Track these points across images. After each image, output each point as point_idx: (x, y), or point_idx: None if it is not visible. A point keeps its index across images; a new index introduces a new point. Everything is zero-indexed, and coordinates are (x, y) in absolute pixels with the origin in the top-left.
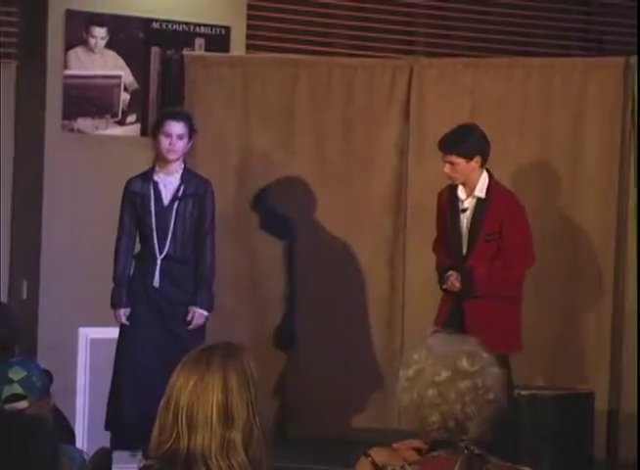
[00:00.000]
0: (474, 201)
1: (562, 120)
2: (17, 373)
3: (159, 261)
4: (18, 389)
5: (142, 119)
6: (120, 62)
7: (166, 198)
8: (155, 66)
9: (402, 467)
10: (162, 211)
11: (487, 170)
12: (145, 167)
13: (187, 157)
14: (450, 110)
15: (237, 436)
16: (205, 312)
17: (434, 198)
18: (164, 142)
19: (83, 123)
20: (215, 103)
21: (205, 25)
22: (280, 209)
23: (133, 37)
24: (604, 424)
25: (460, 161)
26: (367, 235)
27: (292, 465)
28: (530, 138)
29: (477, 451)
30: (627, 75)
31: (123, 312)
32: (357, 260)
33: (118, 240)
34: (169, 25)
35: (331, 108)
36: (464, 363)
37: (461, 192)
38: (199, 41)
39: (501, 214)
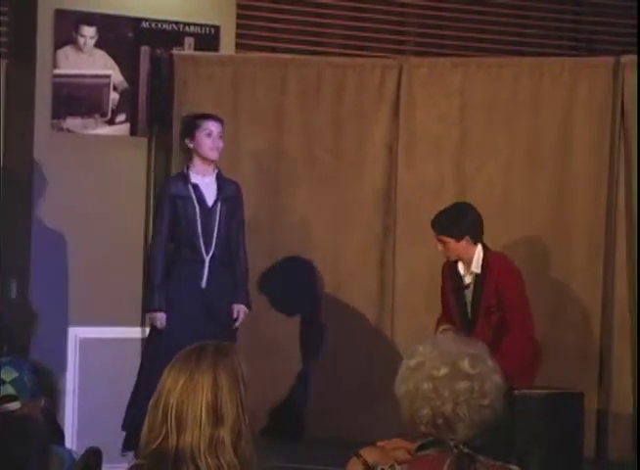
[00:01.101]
0: (472, 276)
1: (551, 120)
2: (8, 374)
3: (207, 264)
4: (10, 390)
5: (131, 119)
6: (110, 61)
7: (210, 200)
8: (144, 65)
9: (392, 466)
10: (207, 214)
11: (482, 244)
12: (135, 167)
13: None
14: (440, 109)
15: (226, 435)
16: (247, 310)
17: (423, 197)
18: (207, 141)
19: (72, 123)
20: (205, 102)
21: (194, 25)
22: (269, 208)
23: (122, 37)
24: (593, 424)
25: (450, 240)
26: (357, 234)
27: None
28: (520, 137)
29: (466, 450)
30: (617, 75)
31: (161, 316)
32: (347, 260)
33: (156, 242)
34: (159, 25)
35: (320, 107)
36: (465, 364)
37: (461, 268)
38: (188, 40)
39: (497, 288)
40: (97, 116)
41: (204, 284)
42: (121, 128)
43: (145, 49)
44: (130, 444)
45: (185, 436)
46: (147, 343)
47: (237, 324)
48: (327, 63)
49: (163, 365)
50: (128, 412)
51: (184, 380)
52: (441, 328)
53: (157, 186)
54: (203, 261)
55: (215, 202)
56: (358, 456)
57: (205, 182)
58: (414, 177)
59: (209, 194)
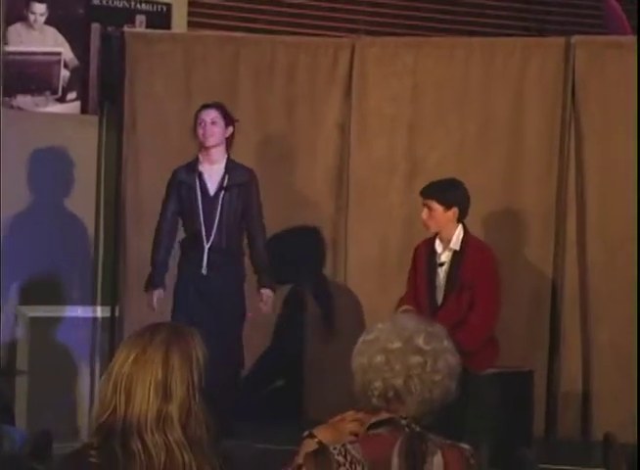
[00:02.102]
0: (450, 254)
1: (503, 100)
2: None
3: (206, 251)
4: None
5: (82, 97)
6: (60, 38)
7: (212, 188)
8: (95, 42)
9: (343, 445)
10: (209, 202)
11: (463, 224)
12: (86, 144)
13: (229, 146)
14: (392, 89)
15: (174, 411)
16: (271, 292)
17: (376, 177)
18: (199, 130)
19: (23, 100)
20: (156, 80)
21: (146, 2)
22: None
23: (73, 14)
24: (543, 404)
25: (438, 208)
26: (309, 214)
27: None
28: (472, 117)
29: (417, 429)
30: (568, 55)
31: (157, 294)
32: (299, 240)
33: (159, 226)
34: (110, 2)
35: (273, 86)
36: (420, 340)
37: (438, 246)
38: (139, 18)
39: (475, 266)
40: (47, 93)
41: (204, 271)
42: (72, 106)
43: (96, 26)
44: None
45: (133, 408)
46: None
47: (265, 308)
48: (280, 42)
49: None
50: None
51: (135, 355)
52: (402, 308)
53: (107, 164)
54: (203, 249)
55: (219, 190)
56: (312, 437)
57: (213, 170)
58: (366, 157)
59: (213, 182)
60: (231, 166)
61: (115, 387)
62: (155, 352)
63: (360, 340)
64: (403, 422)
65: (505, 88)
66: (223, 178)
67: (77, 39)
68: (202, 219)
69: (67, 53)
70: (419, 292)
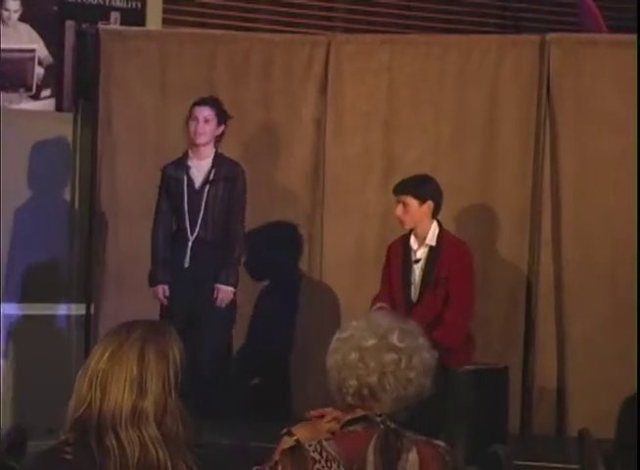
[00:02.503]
0: (426, 250)
1: (478, 97)
2: None
3: (190, 243)
4: None
5: (57, 94)
6: (34, 35)
7: (198, 181)
8: (69, 40)
9: (319, 442)
10: (194, 195)
11: (438, 221)
12: (61, 142)
13: (218, 141)
14: (368, 86)
15: (149, 407)
16: (231, 288)
17: (351, 173)
18: (192, 126)
19: None
20: (131, 78)
21: None
22: None
23: (47, 11)
24: (518, 400)
25: (413, 202)
26: (286, 209)
27: None
28: (447, 115)
29: (392, 426)
30: (543, 53)
31: (162, 289)
32: (276, 235)
33: (156, 222)
34: None
35: (249, 84)
36: (394, 337)
37: (413, 242)
38: (114, 15)
39: (450, 262)
40: (22, 90)
41: (186, 263)
42: (46, 103)
43: (70, 23)
44: None
45: (108, 403)
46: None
47: (217, 303)
48: (255, 39)
49: None
50: None
51: (111, 351)
52: (376, 306)
53: (82, 161)
54: (187, 241)
55: (204, 183)
56: (290, 434)
57: (200, 164)
58: (342, 154)
59: (199, 176)
60: (219, 161)
61: (91, 382)
62: (130, 348)
63: (335, 337)
64: (378, 419)
65: (480, 85)
66: (209, 172)
67: (52, 36)
68: (186, 212)
69: (41, 50)
70: (394, 289)
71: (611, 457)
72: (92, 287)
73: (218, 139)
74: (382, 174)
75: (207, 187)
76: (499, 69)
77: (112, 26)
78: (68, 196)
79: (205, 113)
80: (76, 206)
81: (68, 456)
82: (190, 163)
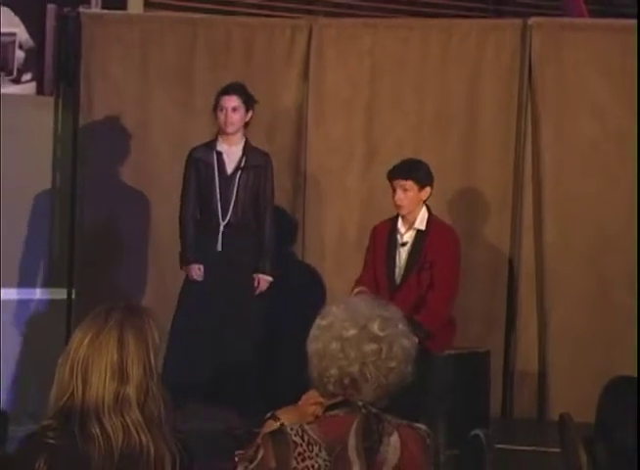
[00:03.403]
0: (413, 233)
1: (460, 81)
2: None
3: (221, 228)
4: None
5: (38, 78)
6: (15, 19)
7: (230, 167)
8: (50, 23)
9: (301, 426)
10: (226, 181)
11: (427, 206)
12: (42, 126)
13: (246, 127)
14: (349, 70)
15: (131, 392)
16: (269, 278)
17: (333, 157)
18: (221, 116)
19: None
20: (113, 61)
21: None
22: (180, 169)
23: None
24: (499, 384)
25: (414, 188)
26: None
27: None
28: (429, 98)
29: (374, 410)
30: (524, 37)
31: (198, 267)
32: None
33: (184, 204)
34: None
35: (230, 67)
36: (375, 327)
37: (401, 226)
38: None
39: (437, 246)
40: (2, 74)
41: (219, 247)
42: (27, 87)
43: (51, 7)
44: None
45: (90, 391)
46: (181, 295)
47: (256, 292)
48: (236, 23)
49: (177, 323)
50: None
51: (90, 337)
52: (356, 290)
53: (63, 145)
54: (218, 226)
55: (236, 170)
56: (275, 418)
57: (231, 151)
58: (324, 138)
59: (231, 162)
60: (249, 149)
61: (72, 370)
62: (109, 333)
63: (315, 324)
64: (360, 403)
65: (462, 70)
66: (241, 159)
67: (33, 20)
68: (218, 197)
69: (22, 34)
70: (378, 271)
71: (591, 441)
72: (73, 271)
73: (247, 125)
74: (363, 159)
75: (239, 174)
76: (481, 53)
77: (93, 10)
78: (49, 179)
79: (233, 102)
80: (58, 189)
81: (52, 441)
82: (220, 148)
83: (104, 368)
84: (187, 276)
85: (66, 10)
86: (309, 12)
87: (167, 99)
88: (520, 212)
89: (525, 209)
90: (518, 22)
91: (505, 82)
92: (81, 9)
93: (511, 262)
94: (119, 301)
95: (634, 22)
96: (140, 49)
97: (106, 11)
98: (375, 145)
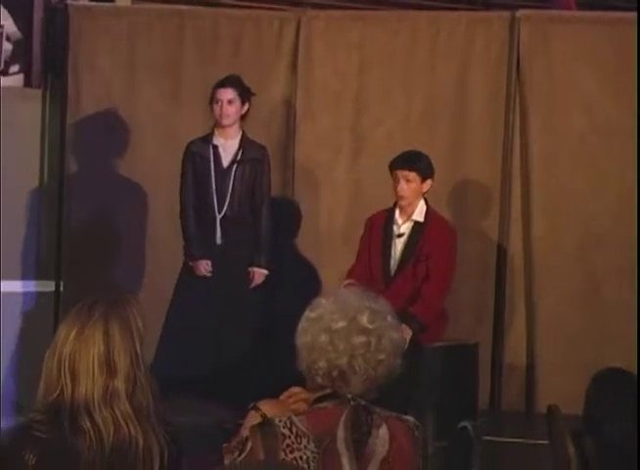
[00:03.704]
0: (411, 225)
1: (448, 74)
2: None
3: (218, 221)
4: None
5: (25, 70)
6: (3, 11)
7: (226, 161)
8: (38, 15)
9: (289, 418)
10: (222, 173)
11: (425, 199)
12: (29, 118)
13: (242, 120)
14: (338, 63)
15: (120, 384)
16: (265, 271)
17: (321, 150)
18: (216, 109)
19: None
20: (101, 53)
21: None
22: (169, 161)
23: None
24: (488, 376)
25: (417, 179)
26: None
27: None
28: (417, 92)
29: (362, 403)
30: (513, 29)
31: (206, 263)
32: None
33: (183, 198)
34: None
35: (218, 59)
36: (364, 319)
37: (398, 217)
38: None
39: (435, 239)
40: None
41: (218, 240)
42: (15, 79)
43: None
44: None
45: (79, 388)
46: (177, 288)
47: (252, 285)
48: (223, 14)
49: (173, 314)
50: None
51: (76, 332)
52: (346, 282)
53: (51, 137)
54: (214, 218)
55: (232, 163)
56: (256, 409)
57: (227, 144)
58: (312, 132)
59: (227, 155)
60: (245, 142)
61: (60, 366)
62: (94, 326)
63: (304, 316)
64: (348, 395)
65: (450, 62)
66: (237, 152)
67: (20, 12)
68: (214, 190)
69: (9, 26)
70: (372, 262)
71: (579, 433)
72: (61, 264)
73: (243, 117)
74: (351, 152)
75: (235, 167)
76: (469, 45)
77: (81, 2)
78: (37, 172)
79: (229, 95)
80: (45, 182)
81: (41, 434)
82: (216, 141)
83: (91, 362)
84: (182, 270)
85: (53, 2)
86: (297, 4)
87: (155, 91)
88: (508, 205)
89: (514, 202)
90: (506, 14)
91: (493, 75)
92: (69, 1)
93: (499, 256)
94: (102, 293)
95: (623, 14)
96: (128, 41)
97: (93, 3)
98: (363, 138)
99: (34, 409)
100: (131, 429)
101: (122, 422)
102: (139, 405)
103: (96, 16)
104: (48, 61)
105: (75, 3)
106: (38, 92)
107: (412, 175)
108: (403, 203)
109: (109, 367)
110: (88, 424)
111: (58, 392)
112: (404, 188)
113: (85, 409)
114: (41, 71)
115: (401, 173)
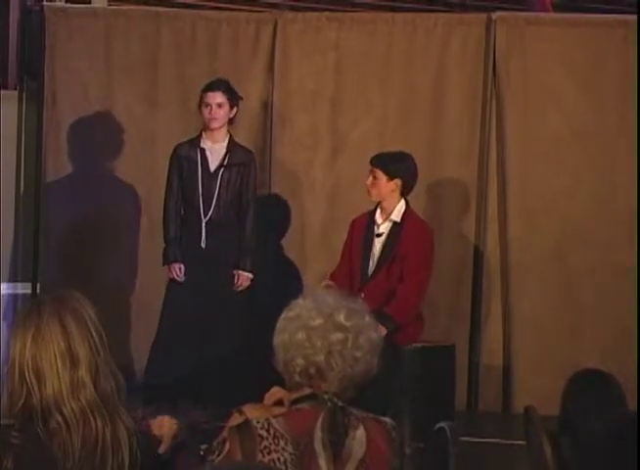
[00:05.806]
0: (389, 225)
1: (425, 75)
2: None
3: (204, 224)
4: None
5: (1, 72)
6: None
7: (213, 164)
8: (14, 17)
9: (267, 420)
10: (209, 177)
11: (406, 200)
12: (6, 120)
13: (230, 124)
14: (315, 64)
15: (84, 374)
16: (250, 275)
17: (298, 152)
18: (205, 112)
19: None
20: (77, 55)
21: None
22: (145, 161)
23: None
24: (465, 378)
25: (382, 177)
26: None
27: None
28: (394, 93)
29: (340, 404)
30: (489, 31)
31: (179, 267)
32: None
33: (167, 201)
34: None
35: (195, 61)
36: (341, 316)
37: (378, 217)
38: None
39: (411, 240)
40: None
41: (203, 244)
42: None
43: (15, 0)
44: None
45: (46, 387)
46: (166, 293)
47: (238, 289)
48: (200, 16)
49: (165, 319)
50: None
51: (32, 335)
52: (324, 283)
53: (28, 139)
54: (200, 222)
55: (219, 167)
56: (240, 413)
57: (214, 148)
58: (289, 132)
59: (214, 159)
60: (233, 146)
61: (22, 374)
62: (49, 325)
63: (281, 316)
64: (326, 397)
65: (427, 64)
66: (225, 156)
67: None
68: (200, 194)
69: None
70: (353, 263)
71: (556, 434)
72: (38, 265)
73: (231, 121)
74: (328, 153)
75: (222, 171)
76: (445, 47)
77: (57, 4)
78: (13, 174)
79: (218, 98)
80: (22, 184)
81: (16, 441)
82: (204, 144)
83: (53, 359)
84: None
85: (29, 3)
86: (274, 6)
87: (132, 93)
88: (484, 206)
89: (490, 202)
90: (482, 16)
91: (470, 77)
92: (45, 2)
93: (475, 256)
94: (42, 295)
95: (598, 16)
96: (104, 43)
97: (70, 4)
98: (340, 139)
99: (6, 416)
100: (98, 421)
101: (89, 413)
102: (103, 392)
103: (72, 17)
104: (24, 62)
105: (52, 4)
106: (14, 94)
107: (378, 173)
108: (370, 197)
109: (71, 359)
110: (60, 420)
111: (24, 399)
112: (369, 183)
113: (55, 407)
114: (17, 73)
115: (370, 169)
